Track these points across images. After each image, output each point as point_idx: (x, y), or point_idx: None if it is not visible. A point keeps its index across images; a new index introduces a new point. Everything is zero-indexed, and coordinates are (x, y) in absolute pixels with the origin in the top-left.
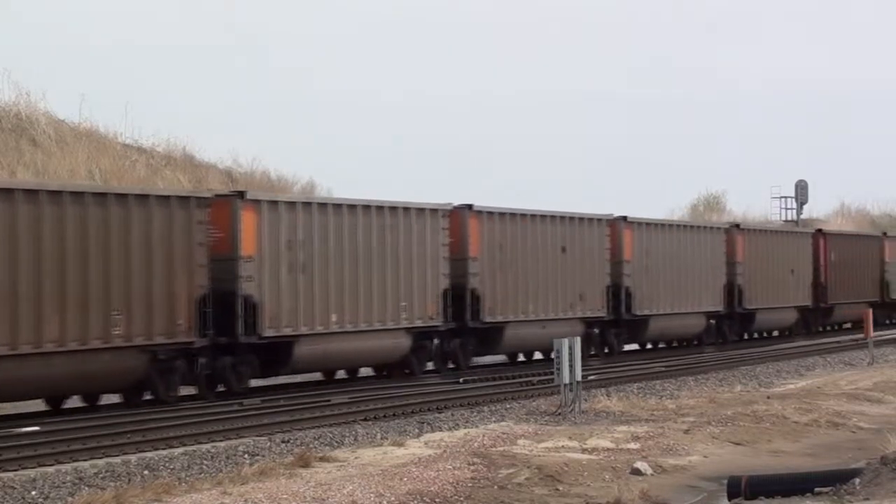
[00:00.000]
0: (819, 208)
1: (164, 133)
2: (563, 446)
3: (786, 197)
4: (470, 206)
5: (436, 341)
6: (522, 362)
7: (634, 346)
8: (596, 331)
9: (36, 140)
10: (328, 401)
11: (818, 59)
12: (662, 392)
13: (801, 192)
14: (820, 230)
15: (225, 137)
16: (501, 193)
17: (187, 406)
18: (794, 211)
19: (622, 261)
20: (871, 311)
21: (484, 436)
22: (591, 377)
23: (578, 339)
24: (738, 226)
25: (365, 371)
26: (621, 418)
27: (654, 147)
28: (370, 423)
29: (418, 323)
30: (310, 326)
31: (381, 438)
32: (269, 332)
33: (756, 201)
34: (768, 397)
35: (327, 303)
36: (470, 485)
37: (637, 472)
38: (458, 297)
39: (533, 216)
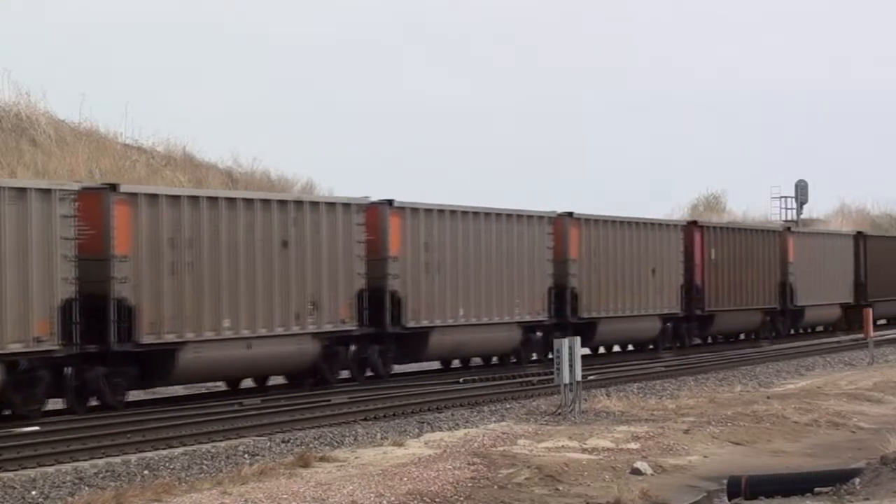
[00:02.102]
0: (819, 208)
1: (164, 133)
2: (563, 446)
3: (786, 197)
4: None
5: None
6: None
7: (421, 367)
8: (352, 347)
9: (36, 140)
10: (328, 401)
11: (818, 59)
12: (662, 392)
13: (801, 192)
14: (695, 222)
15: (225, 137)
16: (501, 193)
17: (187, 406)
18: (795, 211)
19: (387, 258)
20: (870, 310)
21: (484, 436)
22: (591, 377)
23: (578, 339)
24: (571, 214)
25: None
26: (621, 418)
27: (654, 147)
28: (370, 423)
29: None
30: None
31: (381, 438)
32: None
33: (756, 201)
34: (768, 397)
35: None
36: (470, 485)
37: (637, 471)
38: (100, 310)
39: (230, 200)
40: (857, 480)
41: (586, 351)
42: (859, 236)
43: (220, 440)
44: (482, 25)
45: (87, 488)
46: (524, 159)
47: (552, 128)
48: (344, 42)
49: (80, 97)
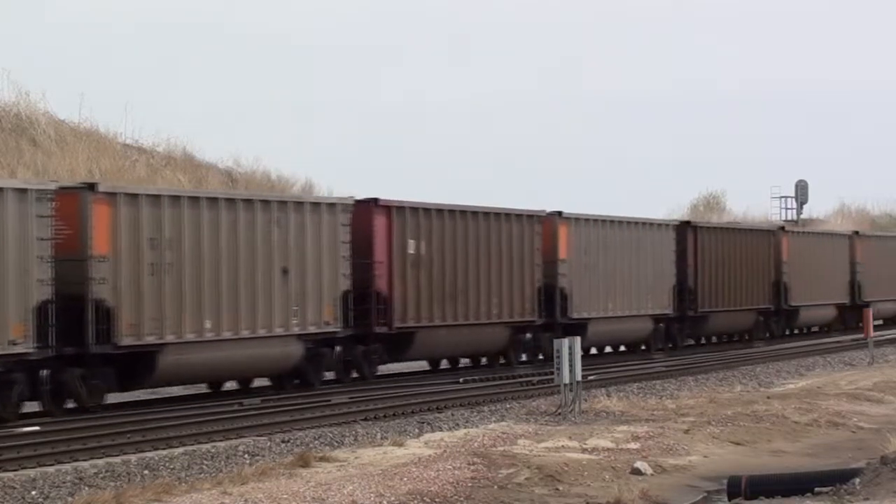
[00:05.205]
0: (819, 208)
1: (164, 133)
2: (563, 446)
3: (786, 197)
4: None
5: None
6: None
7: None
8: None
9: (36, 140)
10: (328, 401)
11: (818, 59)
12: (662, 392)
13: (801, 192)
14: (375, 200)
15: (225, 137)
16: (507, 193)
17: (187, 406)
18: (795, 211)
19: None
20: (870, 310)
21: (484, 436)
22: (591, 377)
23: (578, 339)
24: (96, 191)
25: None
26: (621, 418)
27: (654, 147)
28: (370, 423)
29: None
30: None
31: (381, 438)
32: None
33: (756, 201)
34: (768, 397)
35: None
36: (470, 485)
37: (637, 471)
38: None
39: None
40: (857, 480)
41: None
42: (686, 227)
43: (220, 440)
44: (481, 26)
45: (87, 488)
46: (523, 158)
47: (551, 127)
48: (344, 42)
49: (80, 97)
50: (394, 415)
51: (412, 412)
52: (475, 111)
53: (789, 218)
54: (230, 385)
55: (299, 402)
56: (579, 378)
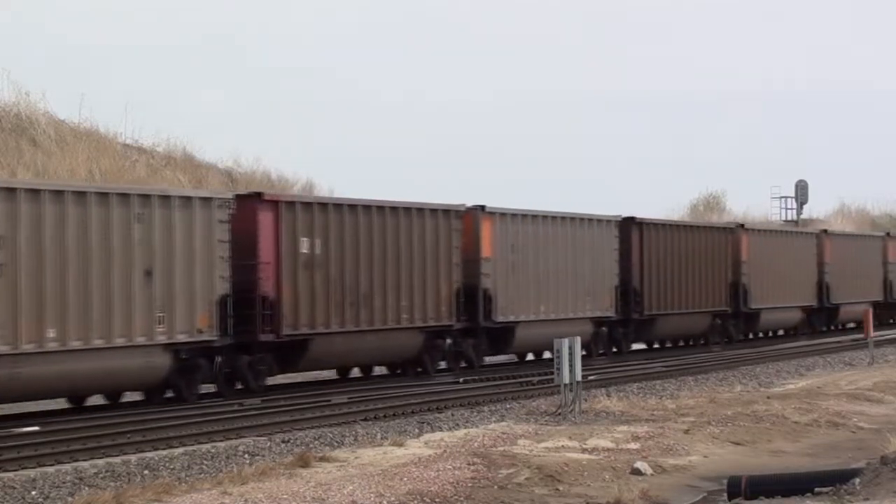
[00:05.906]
0: (819, 208)
1: (164, 133)
2: (563, 446)
3: (786, 197)
4: None
5: None
6: None
7: None
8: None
9: (36, 140)
10: (328, 401)
11: (818, 59)
12: (662, 392)
13: (801, 192)
14: (259, 194)
15: (225, 137)
16: (507, 193)
17: (187, 406)
18: (795, 211)
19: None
20: (870, 310)
21: (484, 436)
22: (592, 377)
23: (578, 339)
24: None
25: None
26: (621, 418)
27: (654, 147)
28: (370, 423)
29: None
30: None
31: (381, 438)
32: None
33: (756, 201)
34: (768, 397)
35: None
36: (470, 485)
37: (637, 472)
38: None
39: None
40: (857, 480)
41: None
42: (630, 223)
43: (220, 440)
44: (481, 25)
45: (87, 488)
46: (523, 158)
47: (551, 127)
48: (344, 41)
49: (80, 97)
50: (394, 415)
51: (412, 412)
52: (475, 111)
53: (789, 218)
54: (95, 399)
55: (299, 402)
56: (579, 378)
